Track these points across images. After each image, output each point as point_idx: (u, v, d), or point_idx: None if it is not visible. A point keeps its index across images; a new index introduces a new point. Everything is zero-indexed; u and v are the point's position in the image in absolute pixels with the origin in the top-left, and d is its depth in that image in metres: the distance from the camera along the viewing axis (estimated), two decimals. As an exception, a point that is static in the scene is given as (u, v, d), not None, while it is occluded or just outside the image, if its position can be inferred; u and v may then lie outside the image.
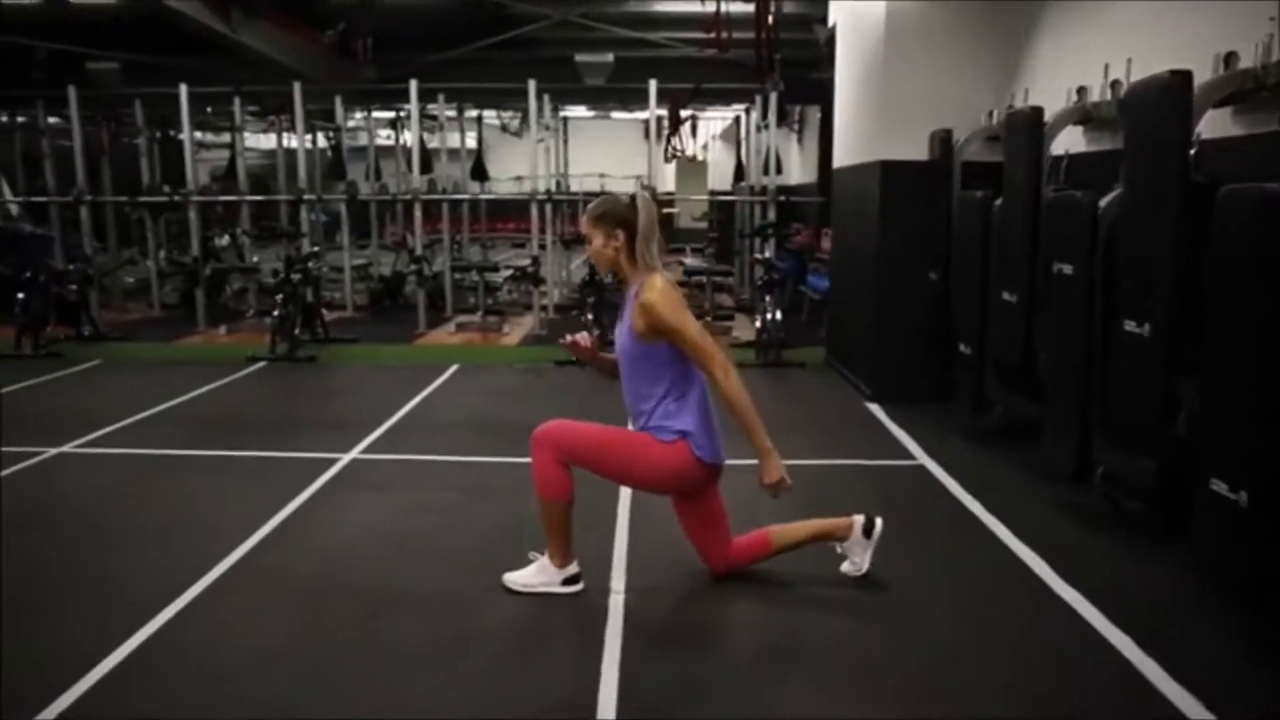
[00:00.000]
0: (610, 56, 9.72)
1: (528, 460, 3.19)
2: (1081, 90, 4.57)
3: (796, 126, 11.82)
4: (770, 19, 4.98)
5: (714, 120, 16.74)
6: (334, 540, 3.78)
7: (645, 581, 3.37)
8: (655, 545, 3.62)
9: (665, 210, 17.92)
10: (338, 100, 9.73)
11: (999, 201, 4.87)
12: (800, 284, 9.91)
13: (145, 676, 2.72)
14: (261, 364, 7.47)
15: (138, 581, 3.36)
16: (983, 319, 4.97)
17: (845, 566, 3.32)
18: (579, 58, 9.71)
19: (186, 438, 5.34)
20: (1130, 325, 3.46)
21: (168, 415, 5.91)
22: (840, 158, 7.01)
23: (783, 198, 8.72)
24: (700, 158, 20.65)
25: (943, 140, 5.54)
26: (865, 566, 3.30)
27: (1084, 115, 4.51)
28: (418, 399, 6.32)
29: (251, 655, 2.85)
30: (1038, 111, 4.44)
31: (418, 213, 8.89)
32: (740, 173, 11.11)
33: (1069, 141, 4.82)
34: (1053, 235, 4.09)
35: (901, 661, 2.83)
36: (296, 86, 8.64)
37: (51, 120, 11.47)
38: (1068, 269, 3.91)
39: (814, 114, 10.05)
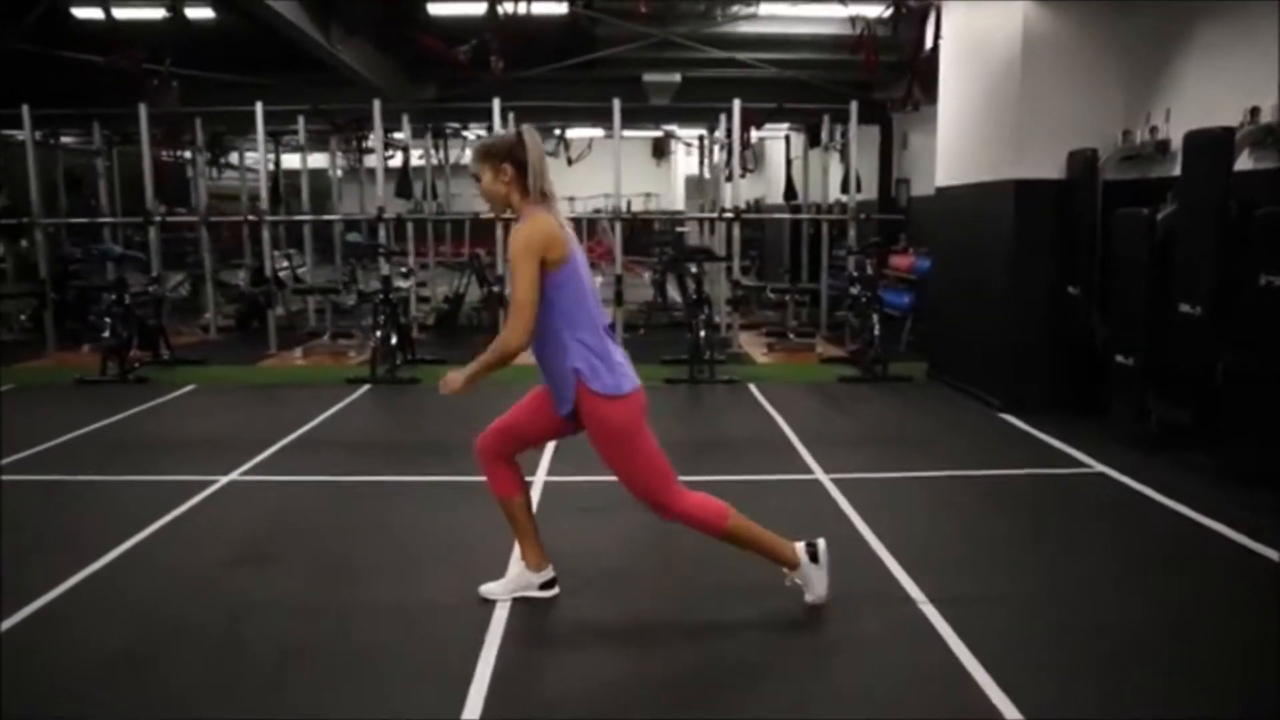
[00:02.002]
0: (677, 76, 9.82)
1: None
2: (1255, 111, 4.77)
3: (839, 146, 12.02)
4: (928, 41, 5.09)
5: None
6: (595, 563, 3.77)
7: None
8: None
9: (678, 229, 18.15)
10: (404, 119, 9.65)
11: (1160, 217, 5.07)
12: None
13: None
14: (365, 387, 7.36)
15: (451, 621, 3.30)
16: (1149, 331, 5.14)
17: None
18: (647, 77, 9.79)
19: (354, 462, 5.25)
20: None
21: (311, 440, 5.80)
22: (948, 177, 7.16)
23: (862, 215, 8.88)
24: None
25: (1087, 160, 5.73)
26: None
27: (1263, 136, 4.71)
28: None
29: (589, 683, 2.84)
30: (1229, 131, 4.63)
31: (499, 231, 8.84)
32: (791, 190, 11.26)
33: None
34: (1269, 250, 4.26)
35: None
36: (376, 104, 8.56)
37: (66, 139, 11.23)
38: None
39: (864, 133, 10.21)
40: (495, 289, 8.79)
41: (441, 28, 7.10)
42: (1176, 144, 5.28)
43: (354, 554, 3.87)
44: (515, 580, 3.37)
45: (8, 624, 3.19)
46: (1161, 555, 3.88)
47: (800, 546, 3.22)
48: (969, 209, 6.77)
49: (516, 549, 3.43)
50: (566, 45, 7.76)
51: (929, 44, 5.56)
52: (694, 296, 7.55)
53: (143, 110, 8.54)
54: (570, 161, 13.43)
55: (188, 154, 10.27)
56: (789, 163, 11.44)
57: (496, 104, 8.56)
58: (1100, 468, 5.02)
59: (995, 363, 6.41)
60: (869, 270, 7.77)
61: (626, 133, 17.57)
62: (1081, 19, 5.86)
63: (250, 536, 4.06)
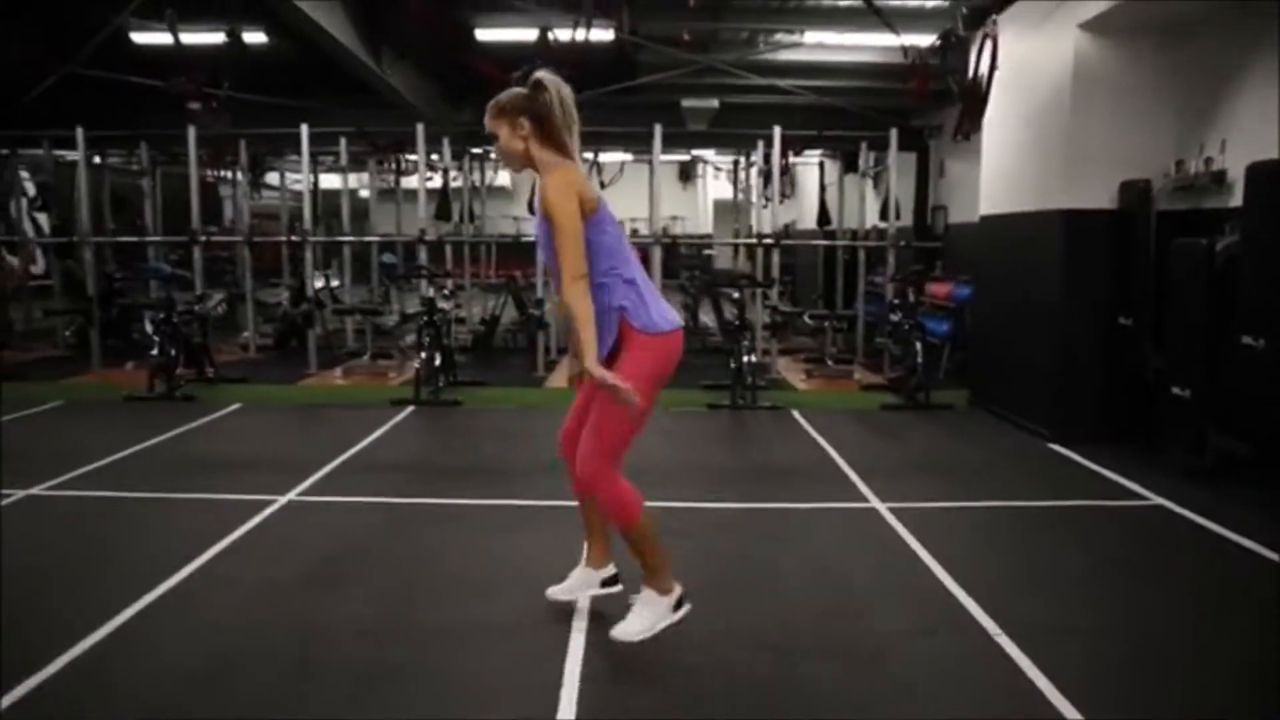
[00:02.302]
0: (715, 102, 9.91)
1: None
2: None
3: (873, 172, 12.07)
4: (981, 69, 5.11)
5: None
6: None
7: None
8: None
9: (705, 251, 18.17)
10: (445, 141, 9.78)
11: (1219, 248, 5.06)
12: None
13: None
14: (410, 408, 7.40)
15: (530, 638, 3.32)
16: (1207, 363, 5.12)
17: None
18: (685, 103, 9.89)
19: (409, 484, 5.28)
20: None
21: (364, 461, 5.83)
22: (993, 205, 7.17)
23: (903, 243, 8.90)
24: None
25: (1140, 190, 5.73)
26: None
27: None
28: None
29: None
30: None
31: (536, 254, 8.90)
32: (825, 216, 11.30)
33: None
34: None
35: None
36: (419, 128, 8.68)
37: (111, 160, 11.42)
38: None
39: (901, 160, 10.24)
40: (534, 312, 8.84)
41: (492, 53, 7.20)
42: (1233, 175, 5.29)
43: (421, 575, 3.89)
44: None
45: (91, 640, 3.23)
46: (1231, 590, 3.85)
47: (678, 588, 3.07)
48: (1015, 237, 6.78)
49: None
50: (611, 71, 7.85)
51: (982, 72, 5.58)
52: (736, 322, 7.57)
53: (191, 132, 8.70)
54: (603, 185, 13.53)
55: (225, 174, 10.39)
56: (823, 188, 11.48)
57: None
58: (1157, 500, 4.98)
59: (1043, 392, 6.39)
60: (911, 297, 7.76)
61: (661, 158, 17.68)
62: (1134, 49, 5.88)
63: (316, 557, 4.09)
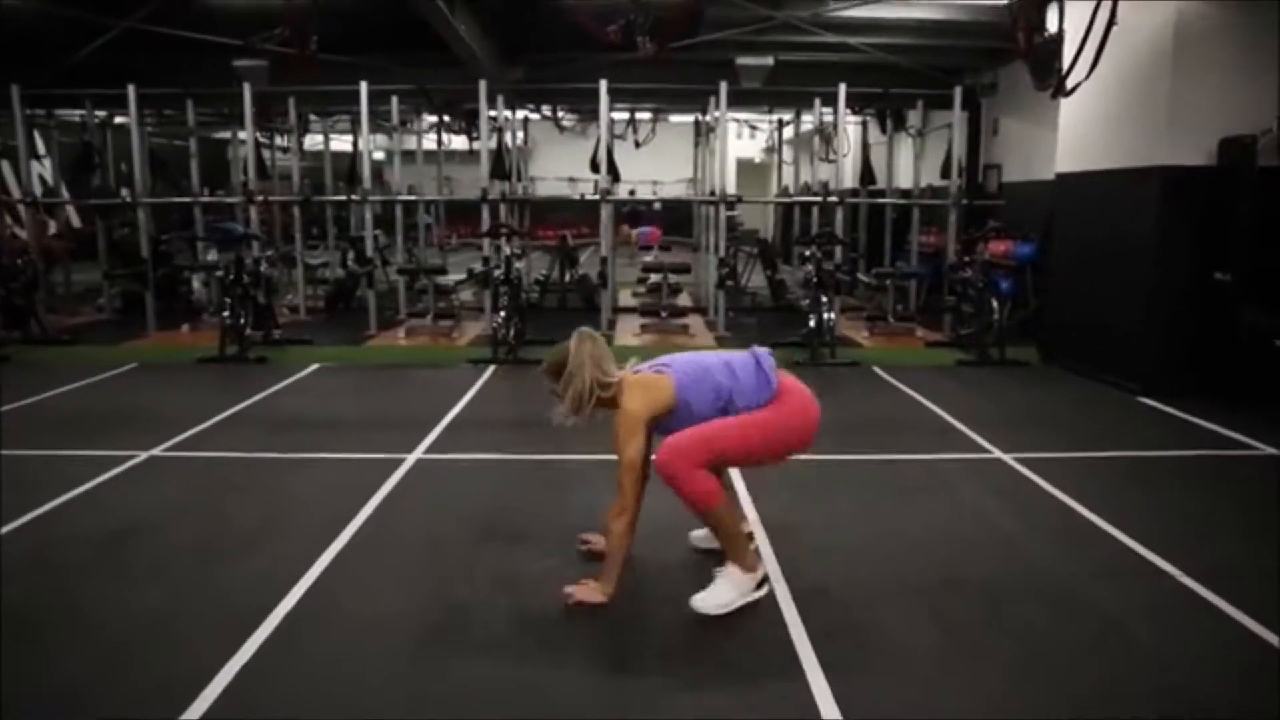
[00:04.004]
0: (770, 60, 9.80)
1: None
2: None
3: (911, 131, 12.06)
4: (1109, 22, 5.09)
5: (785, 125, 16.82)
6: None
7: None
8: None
9: (729, 214, 18.10)
10: (499, 100, 9.64)
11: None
12: (933, 287, 10.15)
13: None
14: (491, 368, 7.39)
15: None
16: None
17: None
18: (740, 60, 9.77)
19: (523, 442, 5.26)
20: None
21: (471, 419, 5.83)
22: (1073, 163, 7.20)
23: (965, 200, 8.93)
24: (758, 160, 20.84)
25: (1245, 146, 5.78)
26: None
27: None
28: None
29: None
30: None
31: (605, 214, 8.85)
32: (870, 176, 11.28)
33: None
34: None
35: None
36: (482, 85, 8.58)
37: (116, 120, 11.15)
38: None
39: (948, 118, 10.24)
40: (587, 274, 8.85)
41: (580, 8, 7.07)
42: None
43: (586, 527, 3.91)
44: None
45: (308, 580, 3.27)
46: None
47: (762, 571, 3.23)
48: (1101, 194, 6.82)
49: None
50: (674, 28, 7.73)
51: (1057, 30, 5.61)
52: (815, 279, 7.60)
53: (246, 90, 8.53)
54: (638, 144, 13.47)
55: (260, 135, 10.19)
56: (865, 147, 11.45)
57: (604, 85, 8.58)
58: (1269, 449, 5.10)
59: (1131, 347, 6.48)
60: (986, 255, 7.82)
61: (674, 119, 17.61)
62: (1237, 5, 5.89)
63: (475, 512, 4.11)
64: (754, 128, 16.24)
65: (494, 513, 4.12)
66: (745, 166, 20.50)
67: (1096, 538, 3.83)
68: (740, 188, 20.28)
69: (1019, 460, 4.87)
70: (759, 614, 3.11)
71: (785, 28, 8.48)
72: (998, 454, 5.01)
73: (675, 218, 19.89)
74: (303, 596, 3.22)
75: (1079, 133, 7.12)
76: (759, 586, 3.19)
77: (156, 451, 5.04)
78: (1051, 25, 6.26)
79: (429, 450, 5.09)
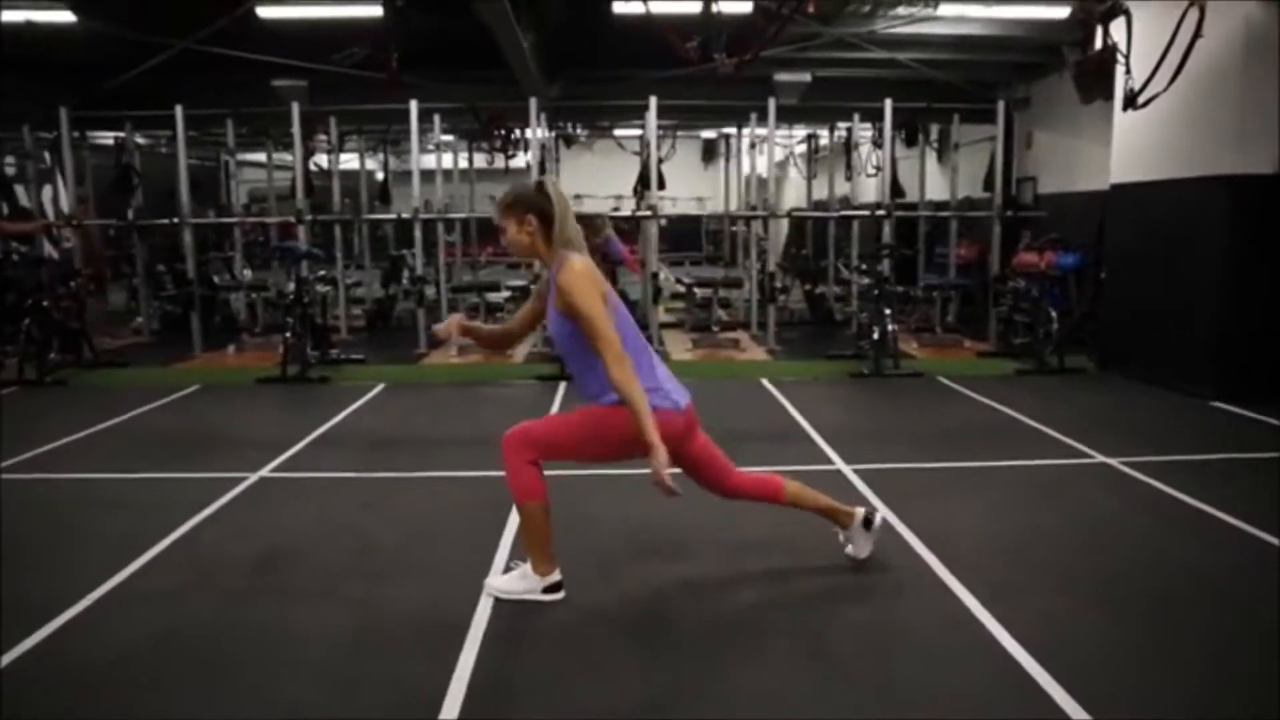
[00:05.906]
0: (808, 76, 9.97)
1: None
2: None
3: (935, 145, 12.26)
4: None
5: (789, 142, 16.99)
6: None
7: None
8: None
9: (732, 229, 18.23)
10: (541, 117, 9.67)
11: None
12: (970, 297, 10.32)
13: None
14: (563, 383, 7.39)
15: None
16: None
17: (848, 550, 3.56)
18: (778, 76, 9.92)
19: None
20: None
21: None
22: (1130, 173, 7.36)
23: (1009, 212, 9.11)
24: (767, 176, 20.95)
25: (1315, 155, 5.97)
26: (864, 554, 3.54)
27: None
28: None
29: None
30: None
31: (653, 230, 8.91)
32: (897, 189, 11.45)
33: None
34: None
35: None
36: (533, 102, 8.63)
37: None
38: None
39: (983, 132, 10.43)
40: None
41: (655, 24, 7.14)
42: None
43: (753, 538, 3.93)
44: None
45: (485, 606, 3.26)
46: None
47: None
48: (1162, 204, 6.97)
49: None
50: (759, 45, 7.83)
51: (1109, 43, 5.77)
52: (877, 291, 7.71)
53: (295, 109, 8.52)
54: (661, 161, 13.53)
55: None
56: (894, 161, 11.62)
57: (653, 102, 8.68)
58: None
59: (1200, 353, 6.62)
60: (1042, 266, 7.97)
61: (679, 134, 17.70)
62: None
63: (625, 529, 4.09)
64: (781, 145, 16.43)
65: (640, 527, 4.12)
66: (754, 182, 20.58)
67: (1236, 539, 3.91)
68: (749, 206, 20.52)
69: (1125, 464, 4.96)
70: (960, 625, 3.14)
71: (825, 44, 8.63)
72: (1101, 458, 5.10)
73: (678, 234, 19.97)
74: (495, 606, 3.23)
75: (1136, 143, 7.26)
76: (549, 590, 3.27)
77: (265, 473, 5.00)
78: (1112, 38, 6.44)
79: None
